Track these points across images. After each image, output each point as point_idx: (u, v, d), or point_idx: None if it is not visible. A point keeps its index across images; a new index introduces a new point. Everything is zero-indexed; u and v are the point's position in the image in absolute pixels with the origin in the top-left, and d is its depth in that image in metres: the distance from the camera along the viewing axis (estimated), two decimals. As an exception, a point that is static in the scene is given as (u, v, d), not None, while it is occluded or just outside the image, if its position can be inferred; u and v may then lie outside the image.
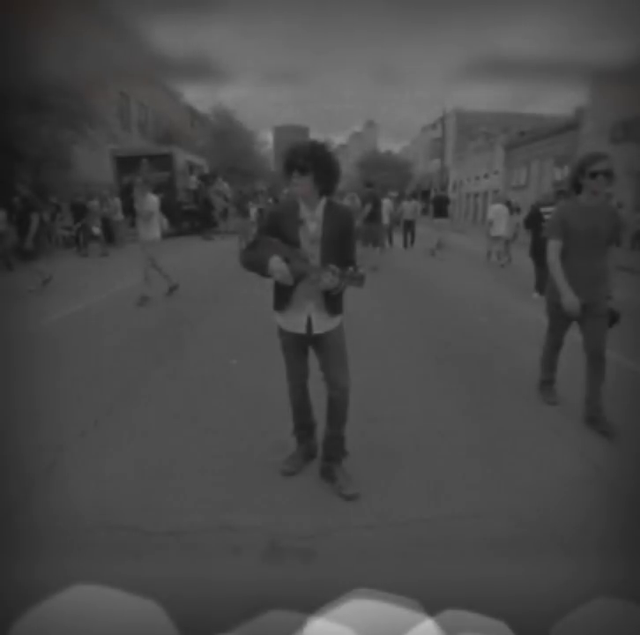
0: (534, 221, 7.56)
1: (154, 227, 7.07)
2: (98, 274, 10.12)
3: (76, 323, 6.03)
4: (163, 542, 2.15)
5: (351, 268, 2.19)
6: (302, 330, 2.44)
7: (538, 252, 7.24)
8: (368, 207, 10.03)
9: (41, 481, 2.59)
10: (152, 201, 7.02)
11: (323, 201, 2.36)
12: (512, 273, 10.43)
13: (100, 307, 6.91)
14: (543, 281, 7.58)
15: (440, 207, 13.98)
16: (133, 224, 17.44)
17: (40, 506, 2.38)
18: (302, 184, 2.26)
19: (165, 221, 10.69)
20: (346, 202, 11.05)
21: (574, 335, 3.51)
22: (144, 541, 2.16)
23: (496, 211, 11.68)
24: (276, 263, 2.25)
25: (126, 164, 17.48)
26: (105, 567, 1.96)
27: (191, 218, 18.70)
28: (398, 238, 15.04)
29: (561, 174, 22.50)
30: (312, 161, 2.23)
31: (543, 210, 7.45)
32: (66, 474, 2.68)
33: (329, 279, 2.16)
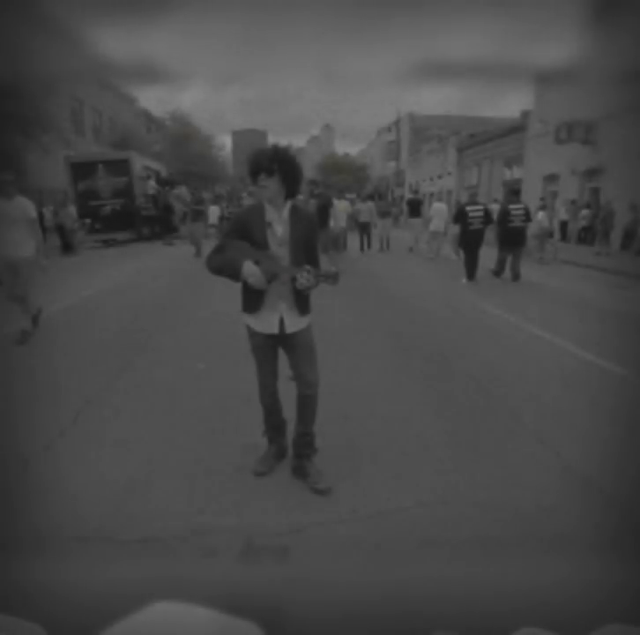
0: (461, 218, 9.16)
1: (27, 240, 5.31)
2: (56, 282, 9.77)
3: (38, 334, 5.69)
4: (137, 550, 2.14)
5: (326, 267, 2.32)
6: (275, 330, 2.48)
7: (466, 243, 9.18)
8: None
9: (7, 497, 2.53)
10: (23, 205, 5.30)
11: (289, 204, 2.43)
12: (444, 265, 11.71)
13: (59, 318, 6.58)
14: (472, 269, 9.20)
15: (414, 208, 14.98)
16: (93, 229, 16.93)
17: (8, 519, 2.31)
18: (270, 186, 2.33)
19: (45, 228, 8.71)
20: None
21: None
22: (118, 550, 2.14)
23: (436, 209, 13.16)
24: (249, 268, 2.29)
25: (82, 170, 17.12)
26: (81, 578, 1.92)
27: (151, 223, 18.45)
28: (352, 240, 14.56)
29: (511, 174, 23.43)
30: (277, 163, 2.31)
31: (468, 209, 9.15)
32: (32, 487, 2.61)
33: (305, 278, 2.24)
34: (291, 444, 2.75)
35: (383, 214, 15.38)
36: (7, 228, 5.18)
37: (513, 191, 10.88)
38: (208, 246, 8.21)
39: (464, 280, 9.16)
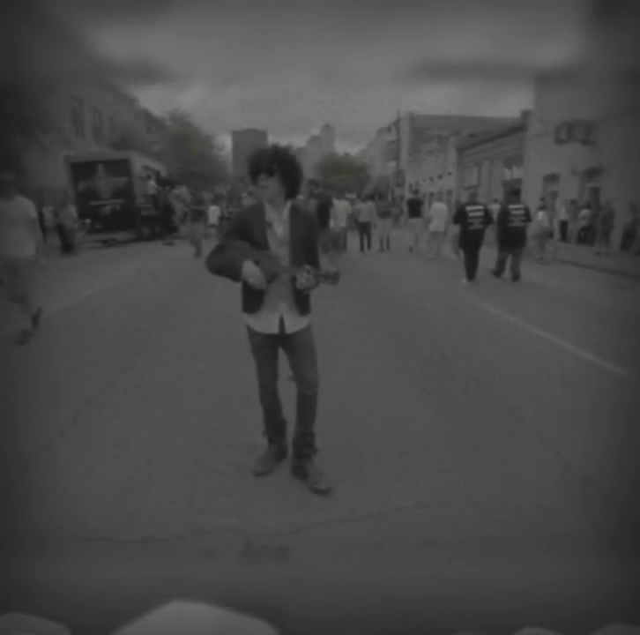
0: (460, 218, 9.13)
1: (27, 240, 5.32)
2: (56, 282, 9.77)
3: (38, 334, 5.68)
4: (137, 550, 2.14)
5: (326, 267, 2.32)
6: (275, 330, 2.48)
7: (466, 243, 9.15)
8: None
9: (7, 497, 2.53)
10: (23, 205, 5.30)
11: (289, 204, 2.44)
12: (444, 265, 11.66)
13: (58, 318, 6.58)
14: (472, 269, 9.13)
15: (414, 208, 15.01)
16: (93, 229, 17.00)
17: (8, 519, 2.30)
18: (270, 186, 2.33)
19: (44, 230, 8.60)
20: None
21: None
22: (118, 550, 2.14)
23: (436, 208, 13.09)
24: (249, 268, 2.30)
25: (82, 170, 17.15)
26: (81, 578, 1.91)
27: (151, 223, 18.46)
28: (352, 240, 14.48)
29: (511, 174, 23.43)
30: (277, 163, 2.31)
31: (468, 209, 9.13)
32: (32, 487, 2.61)
33: (305, 278, 2.24)
34: (291, 444, 2.74)
35: (383, 214, 15.30)
36: (7, 228, 5.17)
37: (513, 191, 10.90)
38: (208, 246, 8.22)
39: (464, 280, 9.17)
